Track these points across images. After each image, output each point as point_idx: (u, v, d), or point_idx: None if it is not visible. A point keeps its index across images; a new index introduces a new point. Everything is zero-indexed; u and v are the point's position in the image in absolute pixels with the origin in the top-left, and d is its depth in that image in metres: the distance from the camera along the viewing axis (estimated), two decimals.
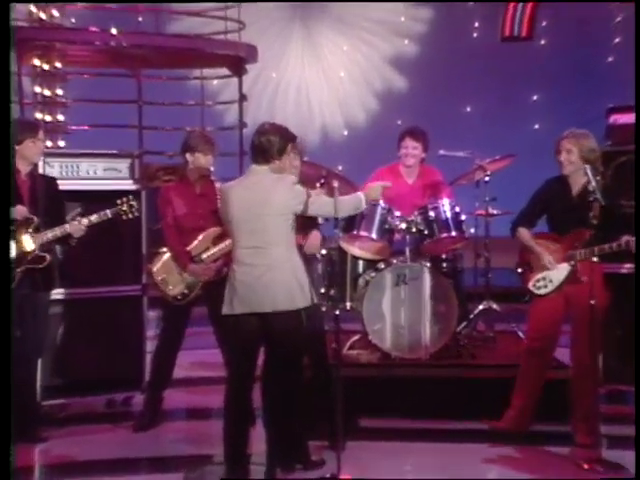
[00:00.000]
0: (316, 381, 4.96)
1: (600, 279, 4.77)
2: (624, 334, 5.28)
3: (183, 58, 9.50)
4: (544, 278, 4.88)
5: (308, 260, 4.78)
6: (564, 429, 4.91)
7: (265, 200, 4.22)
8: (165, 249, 5.27)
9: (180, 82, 10.09)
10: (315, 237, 4.87)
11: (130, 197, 5.10)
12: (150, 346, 5.53)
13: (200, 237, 5.17)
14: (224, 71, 9.81)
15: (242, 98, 9.53)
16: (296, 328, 4.25)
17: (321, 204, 4.38)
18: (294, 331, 4.24)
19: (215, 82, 10.41)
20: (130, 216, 5.09)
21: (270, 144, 4.27)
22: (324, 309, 5.77)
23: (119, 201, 5.06)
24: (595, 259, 4.71)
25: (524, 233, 4.96)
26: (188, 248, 5.18)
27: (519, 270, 4.99)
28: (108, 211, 5.03)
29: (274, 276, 4.21)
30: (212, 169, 5.36)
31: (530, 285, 4.92)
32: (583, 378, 4.79)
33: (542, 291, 4.89)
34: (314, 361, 5.02)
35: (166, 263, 5.24)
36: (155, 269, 5.25)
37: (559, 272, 4.84)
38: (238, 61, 9.41)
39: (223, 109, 10.61)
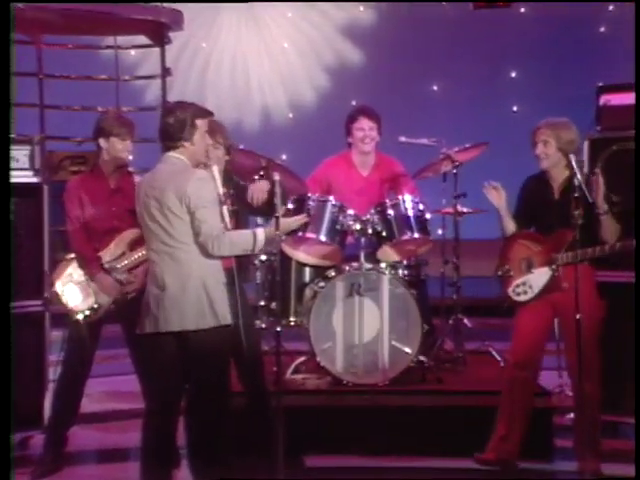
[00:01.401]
0: (252, 412, 4.98)
1: (589, 286, 4.88)
2: (617, 355, 5.31)
3: (93, 23, 9.38)
4: (524, 283, 5.03)
5: (239, 269, 4.72)
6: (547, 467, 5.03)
7: (163, 193, 4.23)
8: (72, 255, 5.25)
9: (90, 52, 9.98)
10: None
11: None
12: (53, 374, 5.48)
13: (114, 241, 5.16)
14: (143, 39, 9.73)
15: (165, 72, 9.44)
16: (213, 350, 4.24)
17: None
18: (211, 353, 4.24)
19: (133, 52, 10.32)
20: None
21: (177, 123, 4.27)
22: (263, 326, 5.81)
23: None
24: (581, 262, 4.80)
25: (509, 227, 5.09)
26: (99, 254, 5.16)
27: (499, 273, 5.12)
28: None
29: (183, 287, 4.22)
30: (130, 158, 5.34)
31: (510, 290, 5.07)
32: (584, 406, 4.89)
33: (522, 297, 5.04)
34: (249, 388, 5.04)
35: (72, 272, 5.22)
36: (59, 280, 5.22)
37: (539, 277, 4.99)
38: (160, 28, 9.33)
39: (143, 85, 10.53)
